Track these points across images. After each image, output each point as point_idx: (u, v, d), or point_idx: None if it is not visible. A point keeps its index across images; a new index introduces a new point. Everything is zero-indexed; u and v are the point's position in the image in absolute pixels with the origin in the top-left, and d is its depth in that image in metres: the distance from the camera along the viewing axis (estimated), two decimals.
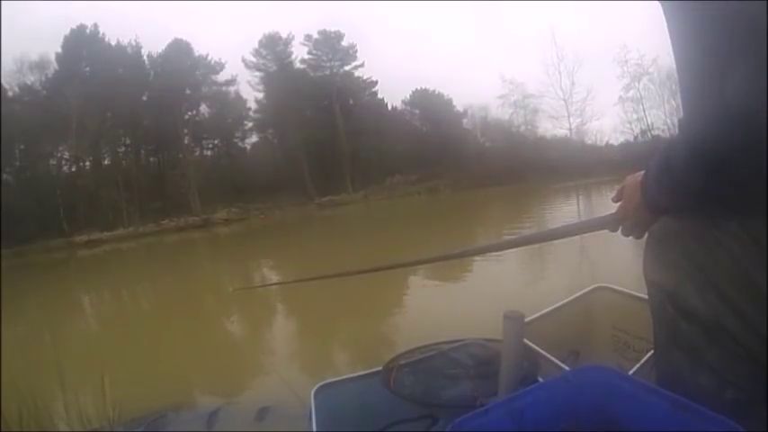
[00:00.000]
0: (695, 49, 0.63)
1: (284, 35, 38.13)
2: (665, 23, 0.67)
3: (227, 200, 31.73)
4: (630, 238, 0.88)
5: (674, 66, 0.68)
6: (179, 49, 35.36)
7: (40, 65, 32.12)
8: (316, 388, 1.31)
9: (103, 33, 34.07)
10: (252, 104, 38.52)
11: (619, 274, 3.63)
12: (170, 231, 27.79)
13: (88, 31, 33.82)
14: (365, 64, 39.08)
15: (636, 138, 31.08)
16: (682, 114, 0.69)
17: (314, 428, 1.16)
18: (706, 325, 0.72)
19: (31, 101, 30.74)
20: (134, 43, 34.88)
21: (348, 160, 36.33)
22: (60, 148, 31.72)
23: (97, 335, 6.98)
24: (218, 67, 36.77)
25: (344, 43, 38.67)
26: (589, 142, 33.13)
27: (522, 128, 35.99)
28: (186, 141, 34.86)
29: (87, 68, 32.80)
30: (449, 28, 57.38)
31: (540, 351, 1.34)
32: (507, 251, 6.23)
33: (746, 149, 0.57)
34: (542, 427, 0.76)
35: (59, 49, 32.79)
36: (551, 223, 10.76)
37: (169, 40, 35.48)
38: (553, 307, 1.74)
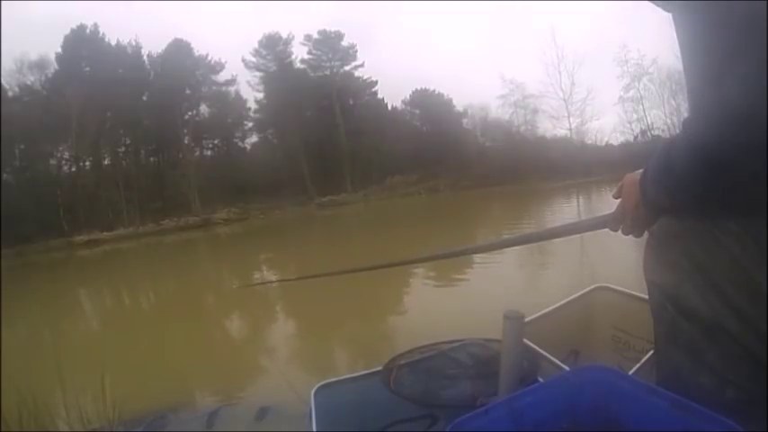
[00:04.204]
0: (700, 50, 0.63)
1: (284, 35, 38.12)
2: (674, 25, 0.67)
3: (227, 200, 31.66)
4: (630, 237, 0.87)
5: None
6: (179, 49, 35.32)
7: (40, 65, 32.12)
8: (316, 388, 1.31)
9: (103, 33, 34.08)
10: (252, 104, 38.52)
11: (619, 274, 3.63)
12: (170, 231, 27.77)
13: (88, 31, 33.79)
14: (365, 64, 39.09)
15: (636, 138, 31.01)
16: (687, 115, 0.69)
17: (314, 428, 1.16)
18: (706, 325, 0.72)
19: (31, 101, 30.66)
20: (134, 43, 34.87)
21: (348, 160, 36.30)
22: (60, 148, 31.68)
23: (97, 335, 6.98)
24: (218, 67, 36.76)
25: (344, 43, 38.68)
26: (589, 142, 33.03)
27: (522, 128, 35.95)
28: (186, 141, 34.82)
29: (87, 68, 32.73)
30: (449, 28, 57.50)
31: (540, 351, 1.34)
32: (507, 251, 6.24)
33: (748, 150, 0.57)
34: (542, 427, 0.76)
35: (59, 49, 32.78)
36: (551, 223, 10.77)
37: (169, 40, 35.49)
38: (553, 307, 1.74)
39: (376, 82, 39.79)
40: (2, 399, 2.42)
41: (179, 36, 35.62)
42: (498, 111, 36.78)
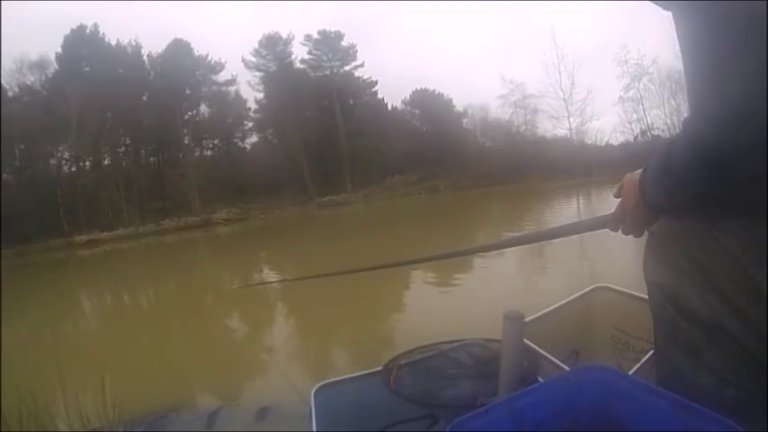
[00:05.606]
0: (700, 50, 0.63)
1: (284, 35, 38.10)
2: (674, 25, 0.67)
3: (227, 200, 31.67)
4: (630, 237, 0.87)
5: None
6: (179, 49, 35.31)
7: (40, 65, 32.10)
8: (316, 388, 1.31)
9: (103, 33, 34.07)
10: (252, 104, 38.52)
11: (619, 274, 3.63)
12: (170, 231, 27.77)
13: (88, 31, 33.78)
14: (365, 64, 39.10)
15: (636, 138, 31.00)
16: (687, 115, 0.69)
17: (314, 428, 1.16)
18: (706, 325, 0.72)
19: (31, 101, 30.66)
20: (134, 43, 34.84)
21: (348, 160, 36.28)
22: (60, 148, 31.66)
23: (97, 335, 6.98)
24: (218, 67, 36.75)
25: (344, 43, 38.66)
26: (589, 142, 33.02)
27: (522, 128, 35.95)
28: (186, 141, 34.82)
29: (87, 68, 32.70)
30: (449, 28, 57.46)
31: (540, 351, 1.34)
32: (507, 251, 6.24)
33: (748, 150, 0.57)
34: (542, 427, 0.76)
35: (59, 49, 32.77)
36: (551, 223, 10.76)
37: (169, 40, 35.50)
38: (553, 307, 1.73)
39: (376, 82, 39.85)
40: (2, 399, 2.42)
41: (179, 36, 35.67)
42: (498, 111, 36.85)
